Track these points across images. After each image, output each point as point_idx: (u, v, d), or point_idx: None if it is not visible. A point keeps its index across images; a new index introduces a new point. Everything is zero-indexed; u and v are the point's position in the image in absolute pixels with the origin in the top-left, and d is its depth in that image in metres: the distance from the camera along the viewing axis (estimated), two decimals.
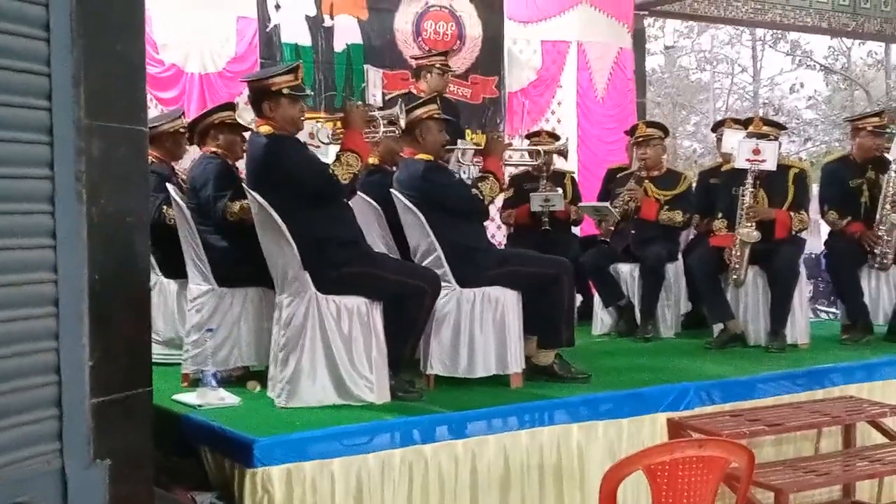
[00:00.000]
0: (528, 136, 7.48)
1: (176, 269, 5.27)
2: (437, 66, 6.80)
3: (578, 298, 6.35)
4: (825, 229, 6.78)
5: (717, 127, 7.39)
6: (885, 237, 6.19)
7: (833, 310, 8.38)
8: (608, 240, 6.87)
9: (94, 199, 2.61)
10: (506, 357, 4.80)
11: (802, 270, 6.15)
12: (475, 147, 6.00)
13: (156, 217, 5.18)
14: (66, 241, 2.55)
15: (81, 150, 2.58)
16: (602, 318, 6.69)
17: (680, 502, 3.20)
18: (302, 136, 4.70)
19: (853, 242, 6.29)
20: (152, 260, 5.27)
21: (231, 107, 5.50)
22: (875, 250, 6.22)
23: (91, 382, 2.60)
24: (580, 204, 7.15)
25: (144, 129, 2.83)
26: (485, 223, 5.42)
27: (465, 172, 6.14)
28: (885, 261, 6.22)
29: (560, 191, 6.98)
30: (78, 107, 2.57)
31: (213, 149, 5.25)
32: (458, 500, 4.09)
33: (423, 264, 4.83)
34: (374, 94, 5.05)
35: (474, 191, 4.95)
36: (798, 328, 6.06)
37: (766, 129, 6.16)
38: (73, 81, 2.56)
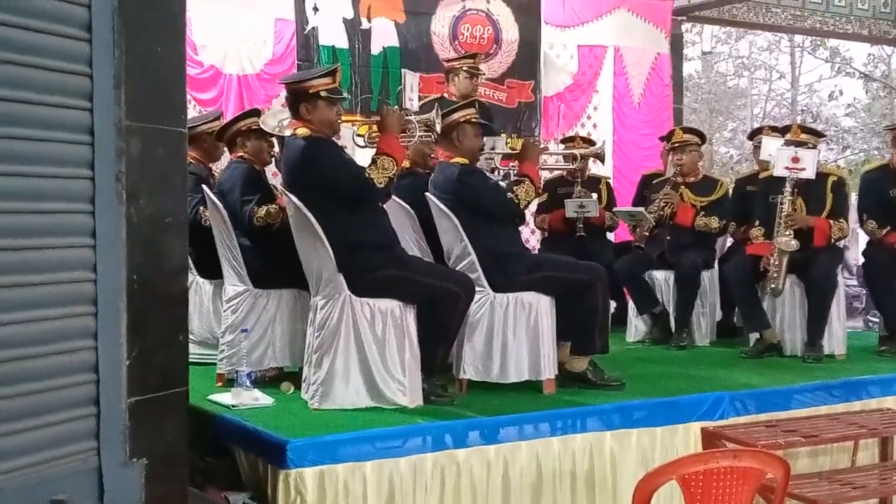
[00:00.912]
0: (563, 141, 7.46)
1: (212, 270, 5.30)
2: (465, 68, 6.75)
3: (612, 305, 6.30)
4: (864, 238, 6.70)
5: (755, 134, 7.32)
6: None
7: None
8: (643, 246, 6.83)
9: (133, 200, 2.63)
10: (539, 363, 4.78)
11: (841, 280, 6.07)
12: (508, 148, 5.98)
13: (191, 218, 5.21)
14: (105, 240, 2.57)
15: (121, 151, 2.60)
16: (636, 325, 6.66)
17: None
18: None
19: (892, 252, 6.19)
20: (188, 260, 5.32)
21: (256, 113, 5.52)
22: None
23: (128, 381, 2.62)
24: (615, 209, 7.12)
25: (183, 131, 2.85)
26: (519, 228, 5.41)
27: (497, 172, 6.13)
28: None
29: (595, 197, 6.95)
30: (119, 108, 2.59)
31: (241, 154, 5.29)
32: None
33: (457, 268, 4.82)
34: (411, 98, 5.03)
35: (510, 195, 4.94)
36: (835, 339, 6.00)
37: (804, 136, 6.09)
38: (114, 82, 2.58)
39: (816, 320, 5.89)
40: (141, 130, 2.66)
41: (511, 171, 6.07)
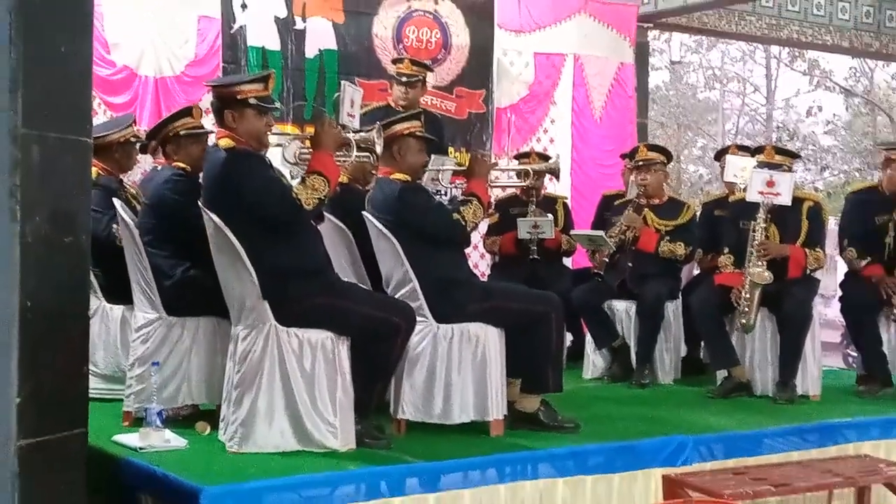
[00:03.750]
0: (518, 157, 7.52)
1: (121, 294, 5.23)
2: (395, 74, 6.84)
3: (568, 338, 6.35)
4: (842, 267, 6.80)
5: (721, 154, 7.45)
6: None
7: None
8: (602, 273, 6.89)
9: (28, 217, 2.59)
10: (486, 402, 4.78)
11: (815, 314, 6.17)
12: (456, 166, 6.01)
13: (104, 236, 5.15)
14: None
15: (17, 163, 2.57)
16: (594, 361, 6.70)
17: None
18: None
19: (871, 286, 6.30)
20: (94, 283, 5.25)
21: (189, 112, 5.33)
22: (893, 301, 6.22)
23: (18, 422, 2.57)
24: (573, 232, 7.18)
25: (88, 140, 2.82)
26: (466, 252, 5.43)
27: (444, 193, 6.15)
28: None
29: (550, 217, 7.00)
30: (15, 114, 2.56)
31: (182, 165, 5.10)
32: None
33: (397, 296, 4.83)
34: (351, 115, 4.99)
35: (456, 215, 4.96)
36: (809, 378, 6.09)
37: (778, 158, 6.18)
38: (10, 86, 2.55)
39: (789, 358, 5.97)
40: (40, 139, 2.62)
41: (451, 189, 6.11)
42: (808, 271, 6.10)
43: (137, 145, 5.81)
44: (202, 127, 5.21)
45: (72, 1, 2.79)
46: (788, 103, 27.74)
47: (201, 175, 5.00)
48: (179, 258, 4.92)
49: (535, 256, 6.86)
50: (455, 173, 5.96)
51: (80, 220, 2.82)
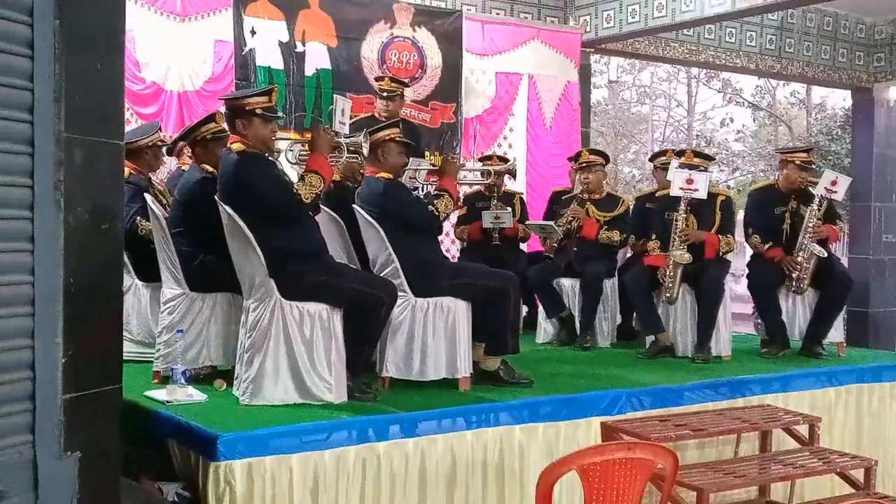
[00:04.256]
0: (481, 160, 7.51)
1: (151, 274, 5.18)
2: (378, 90, 6.90)
3: (524, 309, 6.37)
4: (749, 250, 6.85)
5: (656, 157, 7.44)
6: (804, 264, 6.23)
7: None
8: (552, 256, 6.90)
9: (71, 208, 2.55)
10: (456, 362, 4.79)
11: (727, 289, 6.21)
12: (430, 167, 5.99)
13: (128, 226, 5.07)
14: (43, 245, 2.49)
15: (60, 161, 2.53)
16: (545, 328, 6.71)
17: (610, 500, 3.21)
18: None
19: (773, 265, 6.34)
20: (128, 264, 5.21)
21: (213, 118, 5.18)
22: (793, 275, 6.27)
23: (64, 379, 2.54)
24: (527, 222, 7.19)
25: (121, 143, 2.78)
26: (439, 238, 5.41)
27: (419, 189, 6.13)
28: (801, 286, 6.26)
29: (509, 209, 7.01)
30: (58, 120, 2.51)
31: (210, 168, 4.92)
32: (408, 494, 4.08)
33: (382, 275, 4.81)
34: (342, 122, 4.98)
35: (431, 208, 4.95)
36: (722, 342, 6.12)
37: (696, 160, 6.26)
38: (54, 97, 2.50)
39: (705, 325, 6.01)
40: (79, 142, 2.58)
41: (426, 186, 6.10)
42: (720, 253, 6.16)
43: (164, 149, 5.77)
44: (225, 130, 5.14)
45: (106, 26, 2.74)
46: (706, 116, 27.80)
47: None
48: (199, 248, 4.86)
49: (497, 242, 6.86)
50: (429, 173, 5.95)
51: (115, 211, 2.78)
